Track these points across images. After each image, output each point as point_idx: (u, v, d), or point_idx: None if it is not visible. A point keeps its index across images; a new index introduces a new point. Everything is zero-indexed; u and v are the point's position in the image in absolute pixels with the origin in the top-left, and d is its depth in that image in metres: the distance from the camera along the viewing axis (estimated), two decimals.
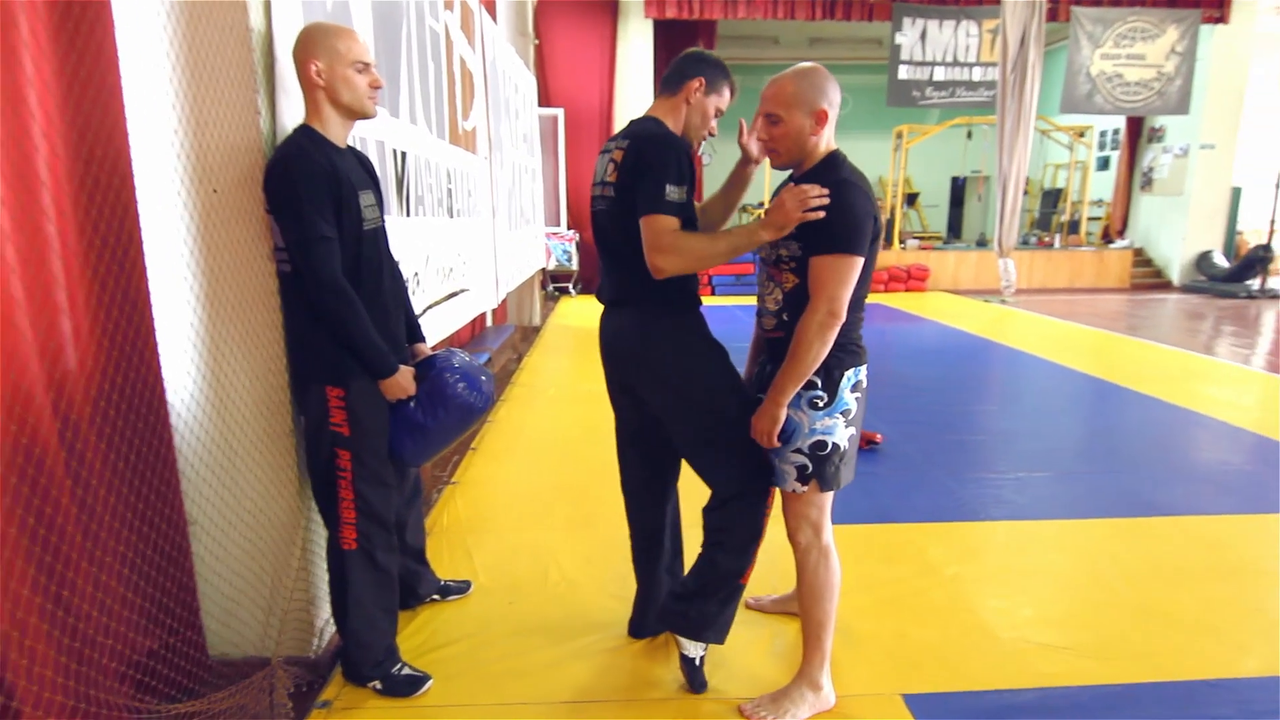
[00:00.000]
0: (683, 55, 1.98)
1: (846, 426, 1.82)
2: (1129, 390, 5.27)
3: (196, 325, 1.89)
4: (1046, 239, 12.68)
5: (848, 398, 1.81)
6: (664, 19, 10.19)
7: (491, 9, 6.76)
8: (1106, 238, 12.65)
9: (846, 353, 1.80)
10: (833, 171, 1.75)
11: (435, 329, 3.39)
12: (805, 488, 1.83)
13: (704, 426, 1.92)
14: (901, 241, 12.00)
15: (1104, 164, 13.03)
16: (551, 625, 2.33)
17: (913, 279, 11.11)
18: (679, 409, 1.95)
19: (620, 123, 10.51)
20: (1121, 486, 3.45)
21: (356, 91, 1.82)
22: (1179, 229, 11.55)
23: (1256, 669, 2.11)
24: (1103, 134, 12.88)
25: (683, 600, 1.98)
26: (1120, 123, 12.27)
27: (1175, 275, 11.62)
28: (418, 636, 2.27)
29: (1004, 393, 5.49)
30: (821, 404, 1.79)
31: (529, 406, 4.90)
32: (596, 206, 2.00)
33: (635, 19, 10.29)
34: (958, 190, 15.64)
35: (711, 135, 2.00)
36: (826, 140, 1.79)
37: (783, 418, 1.78)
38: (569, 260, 10.28)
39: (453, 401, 1.95)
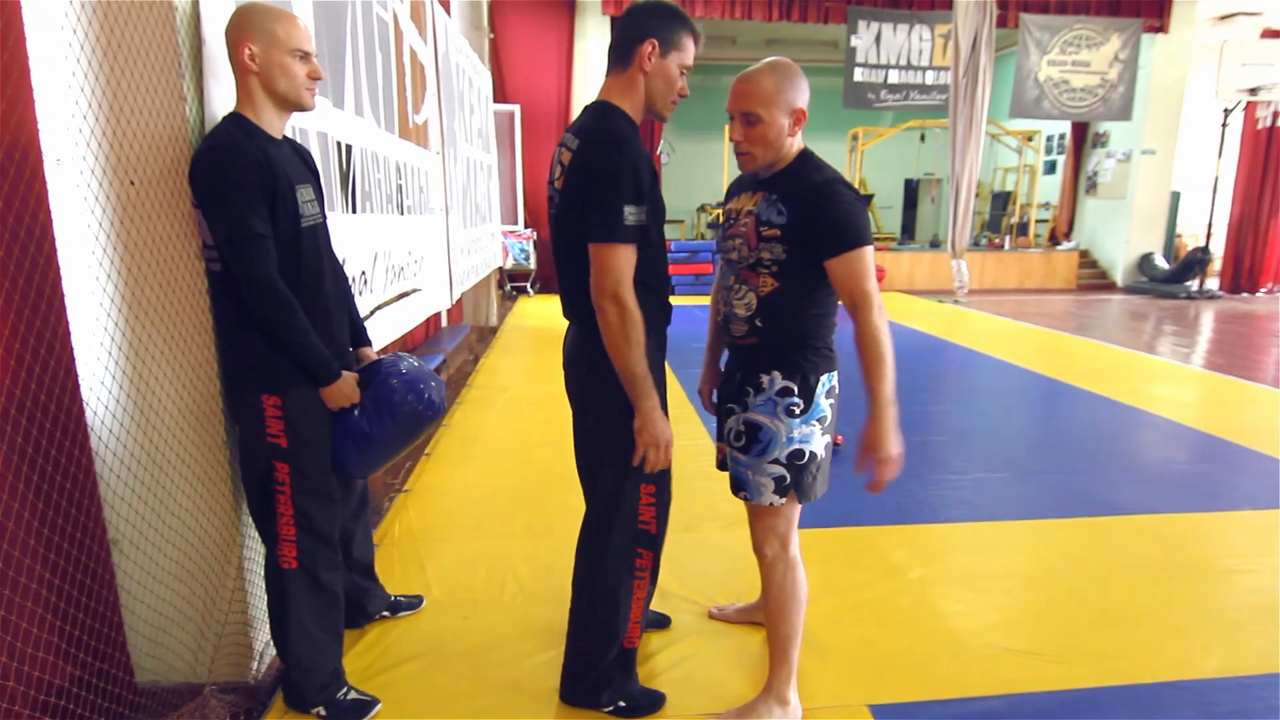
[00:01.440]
0: (625, 14, 1.69)
1: (823, 434, 1.77)
2: (1079, 389, 5.37)
3: (117, 330, 1.74)
4: (997, 240, 12.95)
5: (823, 404, 1.75)
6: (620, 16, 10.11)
7: (445, 1, 6.59)
8: (1054, 240, 12.98)
9: (821, 357, 1.74)
10: (816, 172, 1.68)
11: (385, 331, 3.25)
12: (783, 500, 1.77)
13: (596, 472, 1.81)
14: None
15: (1050, 168, 13.38)
16: (509, 640, 2.23)
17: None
18: (585, 447, 1.86)
19: None
20: (1078, 486, 3.49)
21: (294, 81, 1.69)
22: (1122, 232, 11.90)
23: (1217, 669, 2.12)
24: (1050, 138, 13.21)
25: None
26: (1066, 128, 12.59)
27: (1119, 276, 11.97)
28: (366, 657, 2.15)
29: (961, 392, 5.55)
30: (798, 411, 1.72)
31: (486, 409, 4.77)
32: (550, 209, 1.81)
33: (593, 16, 10.19)
34: (911, 192, 15.90)
35: (683, 96, 1.74)
36: (798, 140, 1.73)
37: (896, 423, 1.66)
38: (526, 259, 10.12)
39: (400, 409, 1.84)
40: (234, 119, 1.68)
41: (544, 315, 8.68)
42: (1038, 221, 13.09)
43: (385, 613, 2.34)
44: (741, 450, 1.79)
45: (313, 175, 1.88)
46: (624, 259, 1.59)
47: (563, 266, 1.76)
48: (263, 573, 1.88)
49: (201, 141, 1.66)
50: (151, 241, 1.73)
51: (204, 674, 1.92)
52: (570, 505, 2.91)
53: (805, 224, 1.65)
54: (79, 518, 1.72)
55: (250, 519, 1.87)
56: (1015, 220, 12.91)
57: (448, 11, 6.55)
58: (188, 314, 1.78)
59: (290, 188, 1.70)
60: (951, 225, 9.88)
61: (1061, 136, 12.98)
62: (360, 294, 2.99)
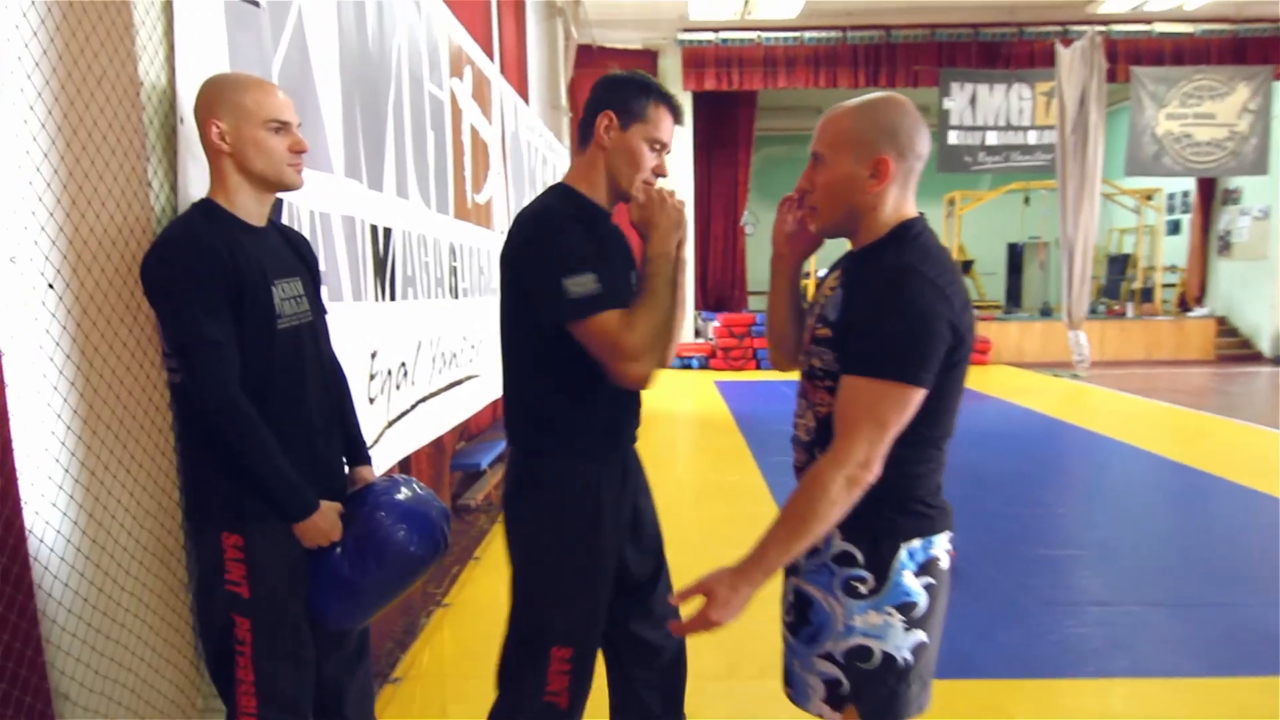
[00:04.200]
0: (590, 89, 1.52)
1: (909, 629, 1.24)
2: (1233, 484, 4.52)
3: (67, 448, 1.48)
4: (1117, 308, 11.88)
5: (910, 585, 1.23)
6: (703, 90, 10.06)
7: (522, 82, 6.63)
8: (1184, 305, 11.80)
9: (908, 515, 1.25)
10: (894, 251, 1.23)
11: (433, 423, 2.98)
12: (839, 715, 1.27)
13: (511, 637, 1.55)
14: None
15: (1174, 228, 12.28)
16: None
17: (973, 352, 10.39)
18: (513, 600, 1.55)
19: None
20: (1261, 625, 2.76)
21: (270, 157, 1.43)
22: (1265, 295, 10.66)
23: None
24: (1171, 196, 12.18)
25: None
26: (1190, 184, 11.57)
27: (1266, 345, 10.66)
28: None
29: (1090, 488, 4.79)
30: (864, 590, 1.24)
31: None
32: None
33: (673, 91, 10.17)
34: (1015, 257, 14.98)
35: (660, 175, 1.51)
36: (894, 204, 1.27)
37: (744, 598, 1.20)
38: None
39: (388, 551, 1.49)
40: (201, 206, 1.44)
41: None
42: (1164, 286, 11.96)
43: None
44: (789, 629, 1.34)
45: (307, 266, 1.61)
46: (613, 325, 1.38)
47: (504, 362, 1.56)
48: None
49: (160, 233, 1.42)
50: (109, 347, 1.47)
51: None
52: None
53: (853, 325, 1.22)
54: (17, 673, 1.44)
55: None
56: (1137, 285, 11.83)
57: (524, 93, 6.57)
58: (148, 431, 1.50)
59: (263, 283, 1.42)
60: (1066, 292, 9.05)
61: (1185, 194, 11.93)
62: (399, 387, 2.73)
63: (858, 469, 1.16)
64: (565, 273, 1.36)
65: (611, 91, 1.48)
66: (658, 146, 1.48)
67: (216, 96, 1.41)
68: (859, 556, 1.24)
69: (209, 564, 1.44)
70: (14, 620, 1.42)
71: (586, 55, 9.45)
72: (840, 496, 1.16)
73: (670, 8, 9.43)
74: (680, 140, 10.41)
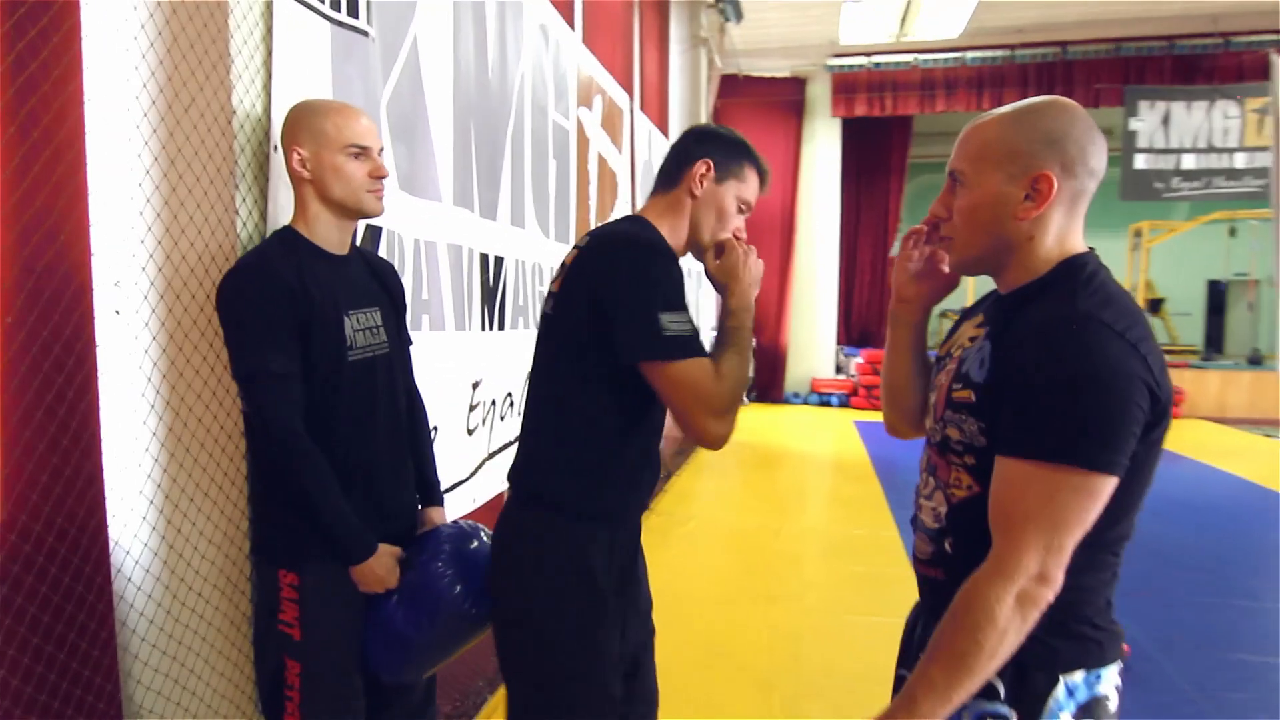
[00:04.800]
0: (683, 135, 1.45)
1: None
2: None
3: (154, 472, 1.49)
4: None
5: None
6: (853, 116, 9.67)
7: (663, 112, 6.62)
8: None
9: (1070, 639, 0.97)
10: (1062, 295, 0.96)
11: None
12: None
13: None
14: None
15: None
16: None
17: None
18: (504, 671, 1.35)
19: (803, 225, 9.99)
20: None
21: (350, 184, 1.39)
22: None
23: None
24: None
25: None
26: None
27: None
28: None
29: None
30: None
31: (658, 546, 4.24)
32: (540, 322, 1.44)
33: (822, 118, 9.87)
34: (1217, 296, 13.18)
35: (739, 238, 1.39)
36: (1059, 234, 1.00)
37: None
38: None
39: (440, 607, 1.37)
40: (280, 234, 1.42)
41: (759, 428, 8.08)
42: None
43: None
44: None
45: (389, 296, 1.56)
46: (707, 375, 1.24)
47: (533, 395, 1.38)
48: None
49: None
50: (194, 373, 1.48)
51: None
52: (741, 692, 2.27)
53: (1007, 386, 0.95)
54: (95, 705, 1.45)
55: None
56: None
57: (665, 122, 6.55)
58: (226, 458, 1.50)
59: (334, 313, 1.38)
60: None
61: None
62: (503, 418, 2.67)
63: (1032, 583, 0.90)
64: (664, 307, 1.22)
65: (711, 142, 1.41)
66: (744, 207, 1.42)
67: (298, 122, 1.38)
68: (1000, 689, 0.96)
69: (265, 601, 1.40)
70: (94, 628, 1.44)
71: (732, 85, 9.37)
72: (1013, 623, 0.90)
73: (820, 33, 9.15)
74: (828, 169, 10.06)
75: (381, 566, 1.39)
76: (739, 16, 7.63)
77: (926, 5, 7.93)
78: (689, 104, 7.38)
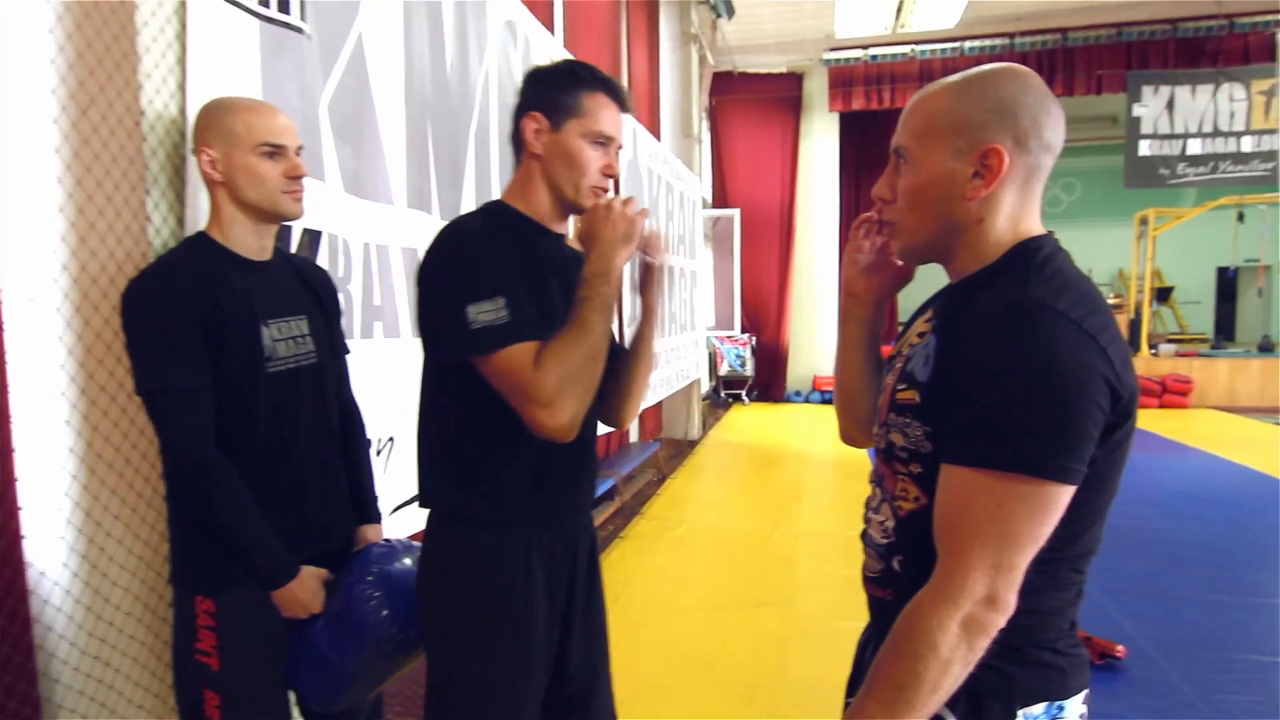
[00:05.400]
0: (518, 94, 1.29)
1: None
2: None
3: (71, 489, 1.43)
4: None
5: None
6: (850, 111, 9.55)
7: (654, 111, 6.53)
8: None
9: (1028, 667, 0.88)
10: (1013, 281, 0.86)
11: None
12: None
13: None
14: (1153, 346, 9.91)
15: None
16: None
17: (1169, 393, 9.00)
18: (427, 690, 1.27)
19: (802, 222, 9.87)
20: None
21: (264, 185, 1.32)
22: None
23: None
24: None
25: None
26: None
27: None
28: None
29: None
30: None
31: (648, 550, 4.15)
32: None
33: (819, 113, 9.74)
34: (1227, 283, 12.96)
35: (610, 176, 1.26)
36: (1011, 215, 0.91)
37: None
38: (743, 365, 9.58)
39: (366, 631, 1.30)
40: (193, 240, 1.35)
41: (757, 428, 7.98)
42: None
43: None
44: None
45: (320, 304, 1.48)
46: (522, 361, 1.14)
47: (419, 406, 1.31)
48: None
49: None
50: (118, 386, 1.41)
51: None
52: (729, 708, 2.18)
53: (951, 385, 0.86)
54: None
55: None
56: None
57: (655, 121, 6.47)
58: (141, 480, 1.43)
59: (250, 323, 1.30)
60: None
61: None
62: None
63: (980, 607, 0.80)
64: (471, 298, 1.13)
65: (535, 89, 1.26)
66: (602, 141, 1.25)
67: (207, 122, 1.31)
68: None
69: (182, 630, 1.32)
70: (7, 653, 1.37)
71: (726, 82, 9.27)
72: (957, 652, 0.81)
73: (815, 27, 9.03)
74: (826, 165, 9.93)
75: (304, 590, 1.31)
76: (730, 12, 7.54)
77: None
78: (681, 103, 7.30)
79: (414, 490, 2.25)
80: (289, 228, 1.66)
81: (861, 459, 6.33)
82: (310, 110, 1.78)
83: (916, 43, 9.12)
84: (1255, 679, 2.62)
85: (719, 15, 7.46)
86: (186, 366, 1.23)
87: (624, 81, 5.35)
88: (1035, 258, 0.89)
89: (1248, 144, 8.64)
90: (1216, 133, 8.70)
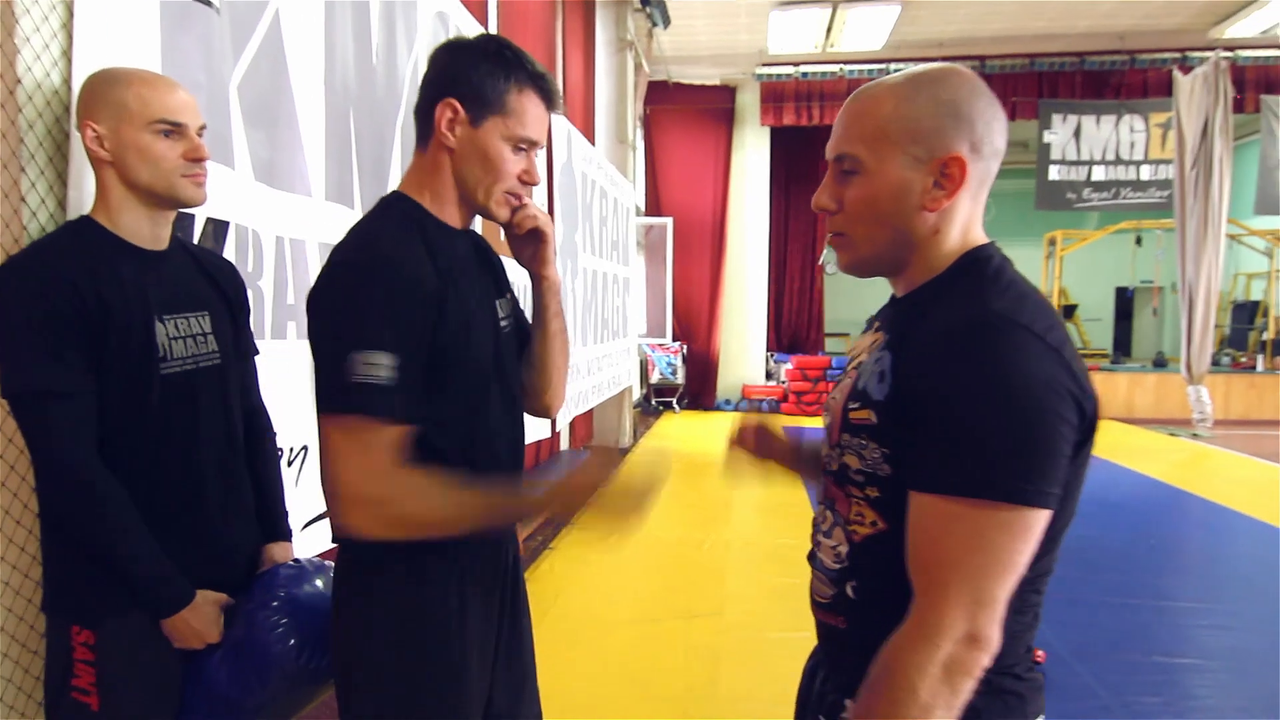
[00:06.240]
0: (429, 58, 1.12)
1: None
2: None
3: None
4: (1244, 360, 10.65)
5: None
6: (781, 126, 9.73)
7: (589, 116, 6.47)
8: None
9: (988, 695, 0.83)
10: (970, 292, 0.84)
11: None
12: None
13: None
14: None
15: None
16: None
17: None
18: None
19: (733, 232, 9.98)
20: None
21: (158, 166, 1.18)
22: None
23: None
24: None
25: None
26: None
27: None
28: None
29: (1218, 576, 4.07)
30: None
31: (578, 562, 4.06)
32: None
33: (751, 126, 9.89)
34: (1125, 303, 13.80)
35: (527, 183, 1.12)
36: (964, 225, 0.88)
37: None
38: (674, 374, 9.59)
39: (269, 662, 1.17)
40: (74, 225, 1.20)
41: (687, 435, 7.98)
42: None
43: None
44: None
45: (224, 299, 1.35)
46: (366, 447, 0.98)
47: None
48: None
49: None
50: None
51: None
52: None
53: (913, 406, 0.82)
54: None
55: None
56: (1269, 335, 10.59)
57: (590, 126, 6.41)
58: (15, 492, 1.26)
59: (142, 319, 1.17)
60: (1186, 344, 8.11)
61: None
62: None
63: (961, 647, 0.76)
64: (366, 343, 0.97)
65: (456, 69, 1.08)
66: (524, 145, 1.10)
67: (94, 93, 1.17)
68: None
69: (56, 664, 1.17)
70: None
71: (661, 91, 9.30)
72: (939, 696, 0.76)
73: (749, 42, 9.17)
74: (757, 177, 10.08)
75: (200, 618, 1.18)
76: (666, 22, 7.55)
77: (851, 16, 8.02)
78: (616, 107, 7.26)
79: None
80: (190, 216, 1.52)
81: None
82: (218, 90, 1.63)
83: (845, 62, 9.36)
84: (1163, 680, 2.73)
85: (655, 24, 7.47)
86: (63, 366, 1.09)
87: (559, 84, 5.27)
88: (987, 268, 0.87)
89: (1146, 172, 9.23)
90: (1118, 160, 9.25)
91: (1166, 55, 8.93)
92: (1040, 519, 0.77)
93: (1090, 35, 9.07)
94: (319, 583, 1.27)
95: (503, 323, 1.21)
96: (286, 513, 1.44)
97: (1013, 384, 0.76)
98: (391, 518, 1.00)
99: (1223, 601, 3.55)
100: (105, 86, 1.17)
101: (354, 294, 1.01)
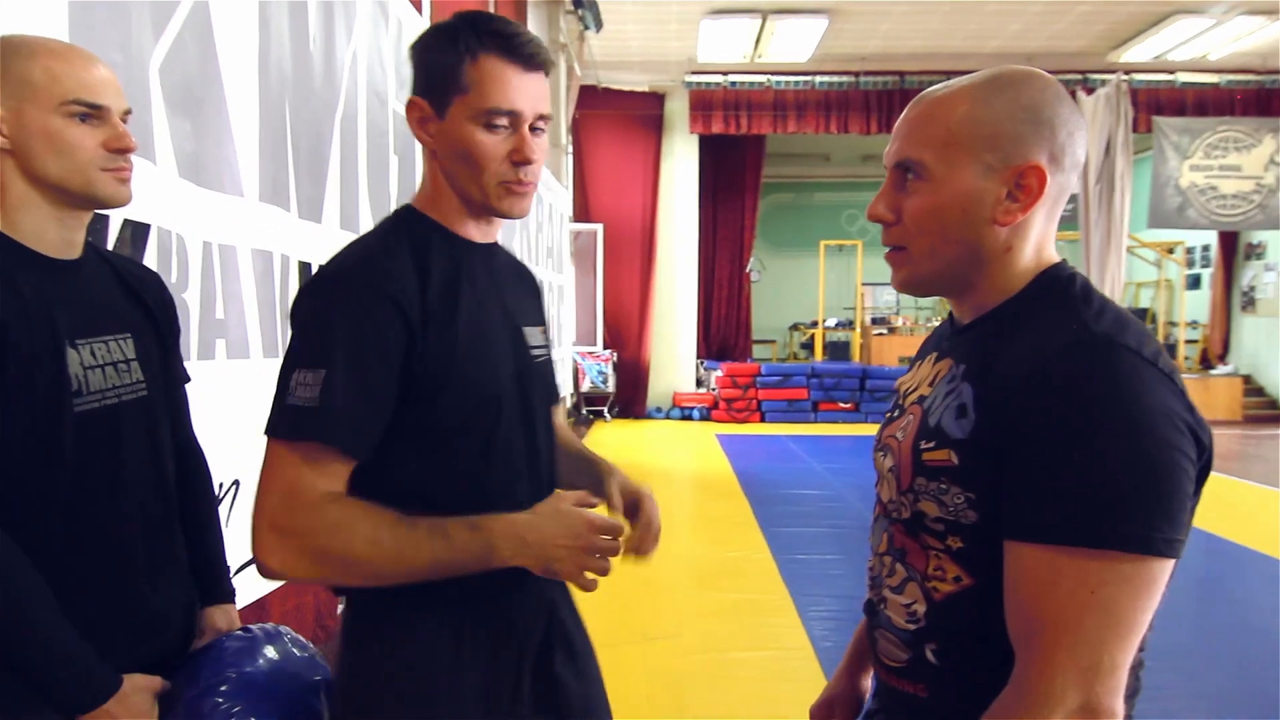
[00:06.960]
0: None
1: None
2: (1272, 559, 3.98)
3: None
4: None
5: None
6: (710, 134, 9.76)
7: None
8: (1205, 363, 11.32)
9: None
10: (1066, 318, 0.74)
11: None
12: None
13: None
14: None
15: (1194, 282, 11.87)
16: None
17: None
18: None
19: (663, 239, 9.94)
20: None
21: (73, 158, 0.96)
22: None
23: None
24: (1191, 250, 11.79)
25: None
26: (1211, 238, 11.20)
27: None
28: None
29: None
30: None
31: None
32: None
33: (680, 134, 9.89)
34: None
35: (523, 162, 0.96)
36: (1038, 243, 0.80)
37: None
38: (605, 382, 9.45)
39: None
40: None
41: (621, 444, 7.84)
42: (1186, 342, 11.48)
43: None
44: None
45: (152, 320, 1.13)
46: (294, 478, 0.88)
47: None
48: None
49: None
50: None
51: None
52: None
53: (1006, 443, 0.72)
54: None
55: None
56: (1160, 340, 11.37)
57: None
58: None
59: (51, 345, 0.95)
60: None
61: (1206, 248, 11.55)
62: None
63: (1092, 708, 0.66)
64: (299, 362, 0.90)
65: (415, 63, 0.99)
66: (501, 121, 0.94)
67: None
68: None
69: None
70: None
71: (592, 96, 9.17)
72: None
73: (678, 50, 9.17)
74: (686, 185, 10.08)
75: (128, 709, 0.96)
76: (599, 26, 7.44)
77: (779, 28, 8.13)
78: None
79: None
80: (105, 218, 1.29)
81: (724, 476, 6.36)
82: (137, 71, 1.41)
83: (772, 73, 9.49)
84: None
85: (587, 27, 7.34)
86: None
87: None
88: (1073, 287, 0.79)
89: None
90: None
91: (1070, 76, 9.44)
92: (1165, 570, 0.68)
93: (1000, 55, 9.50)
94: (272, 653, 1.07)
95: (534, 351, 1.08)
96: (229, 568, 1.23)
97: (1130, 415, 0.67)
98: (310, 551, 0.88)
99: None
100: (6, 59, 0.95)
101: (314, 309, 0.96)
